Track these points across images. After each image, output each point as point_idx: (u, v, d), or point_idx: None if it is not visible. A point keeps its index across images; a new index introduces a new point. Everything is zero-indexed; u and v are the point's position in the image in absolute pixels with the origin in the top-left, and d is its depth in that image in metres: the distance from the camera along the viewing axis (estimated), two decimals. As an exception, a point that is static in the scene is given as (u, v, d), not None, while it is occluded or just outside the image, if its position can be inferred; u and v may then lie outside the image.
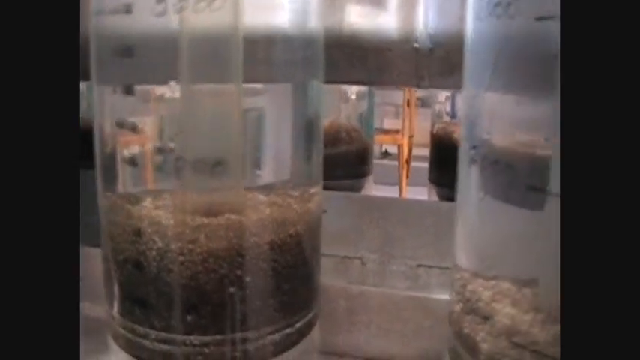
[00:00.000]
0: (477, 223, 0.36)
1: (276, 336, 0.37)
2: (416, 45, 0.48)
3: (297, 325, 0.38)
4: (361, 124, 1.01)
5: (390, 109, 2.70)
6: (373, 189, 1.02)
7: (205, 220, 0.36)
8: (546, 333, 0.30)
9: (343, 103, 0.99)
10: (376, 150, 3.12)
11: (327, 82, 0.42)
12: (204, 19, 0.34)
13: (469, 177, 0.35)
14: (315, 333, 0.41)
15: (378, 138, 2.25)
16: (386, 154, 3.24)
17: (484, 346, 0.33)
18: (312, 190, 0.41)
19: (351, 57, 0.54)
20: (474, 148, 0.34)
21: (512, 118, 0.33)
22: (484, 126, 0.34)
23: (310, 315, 0.39)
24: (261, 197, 0.39)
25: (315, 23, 0.39)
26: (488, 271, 0.35)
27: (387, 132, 2.35)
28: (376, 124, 2.43)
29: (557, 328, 0.30)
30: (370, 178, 0.98)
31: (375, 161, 0.96)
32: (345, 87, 0.97)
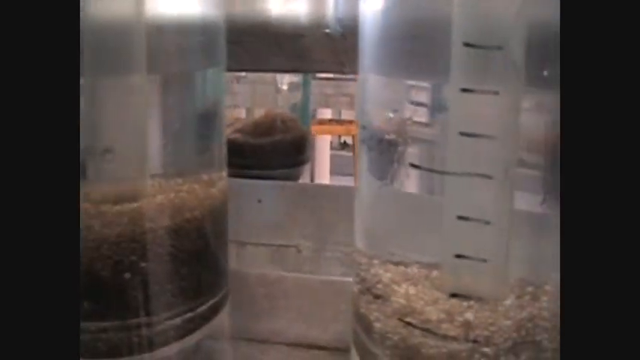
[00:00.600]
0: (369, 206, 0.36)
1: (177, 321, 0.37)
2: (327, 30, 0.48)
3: (199, 310, 0.38)
4: (297, 113, 1.01)
5: (345, 100, 2.70)
6: (327, 178, 1.02)
7: (103, 208, 0.35)
8: (439, 312, 0.31)
9: (277, 93, 0.99)
10: (335, 141, 3.13)
11: (251, 70, 0.42)
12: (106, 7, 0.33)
13: (362, 159, 0.35)
14: (224, 318, 0.41)
15: (332, 129, 2.25)
16: (344, 145, 3.25)
17: (377, 325, 0.33)
18: (214, 176, 0.41)
19: (269, 44, 0.54)
20: (363, 128, 0.34)
21: (384, 99, 0.33)
22: (366, 107, 0.34)
23: (214, 300, 0.39)
24: (161, 184, 0.39)
25: (210, 9, 0.39)
26: (383, 253, 0.35)
27: (341, 123, 2.36)
28: (332, 115, 2.45)
29: (450, 304, 0.31)
30: (308, 166, 0.98)
31: (333, 152, 0.96)
32: (278, 77, 0.97)
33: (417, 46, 0.30)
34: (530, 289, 0.32)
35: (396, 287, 0.33)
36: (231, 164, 0.81)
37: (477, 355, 0.29)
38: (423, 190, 0.33)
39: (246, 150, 0.85)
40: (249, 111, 0.96)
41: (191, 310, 0.38)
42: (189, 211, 0.37)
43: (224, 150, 0.41)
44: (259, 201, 0.75)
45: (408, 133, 0.32)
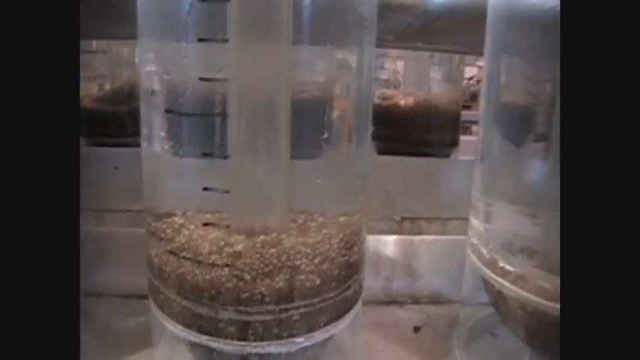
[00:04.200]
0: (146, 167, 0.38)
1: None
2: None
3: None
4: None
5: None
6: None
7: None
8: (211, 246, 0.34)
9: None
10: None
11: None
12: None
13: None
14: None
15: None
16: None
17: (155, 261, 0.36)
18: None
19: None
20: (151, 92, 0.36)
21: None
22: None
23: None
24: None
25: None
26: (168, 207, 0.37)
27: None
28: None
29: (224, 239, 0.34)
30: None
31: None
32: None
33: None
34: (301, 219, 0.35)
35: (183, 230, 0.36)
36: (92, 134, 0.81)
37: (234, 280, 0.32)
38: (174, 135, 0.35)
39: (103, 118, 0.85)
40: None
41: None
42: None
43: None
44: (116, 168, 0.75)
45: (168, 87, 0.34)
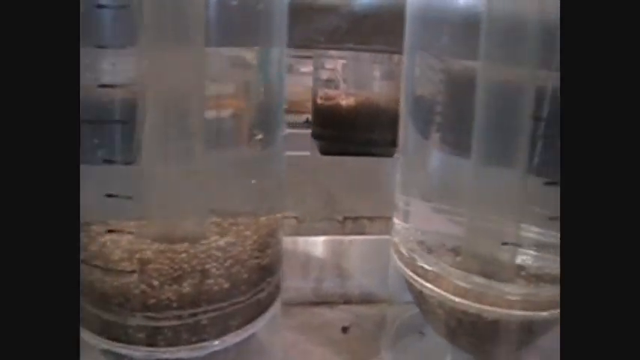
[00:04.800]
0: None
1: None
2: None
3: None
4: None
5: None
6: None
7: None
8: (122, 253, 0.33)
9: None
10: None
11: None
12: None
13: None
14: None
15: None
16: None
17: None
18: None
19: None
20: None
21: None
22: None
23: None
24: None
25: None
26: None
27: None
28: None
29: (138, 247, 0.33)
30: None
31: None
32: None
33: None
34: (220, 223, 0.35)
35: (98, 238, 0.35)
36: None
37: (142, 286, 0.32)
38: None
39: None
40: None
41: None
42: None
43: None
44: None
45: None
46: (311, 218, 0.62)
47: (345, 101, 0.85)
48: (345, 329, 0.49)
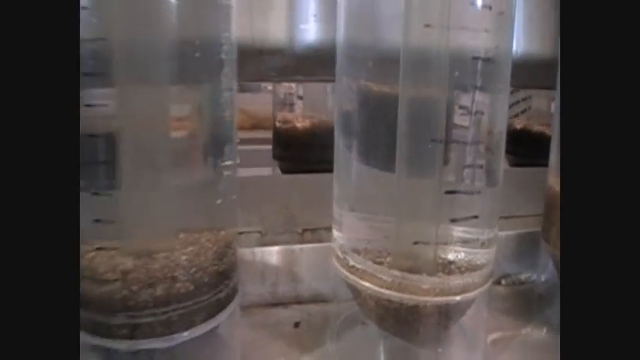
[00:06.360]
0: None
1: None
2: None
3: None
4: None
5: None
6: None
7: None
8: (107, 266, 0.40)
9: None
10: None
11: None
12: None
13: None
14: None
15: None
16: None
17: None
18: None
19: None
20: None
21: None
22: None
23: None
24: None
25: None
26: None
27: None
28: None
29: (120, 260, 0.40)
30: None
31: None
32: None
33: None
34: (190, 238, 0.43)
35: (86, 255, 0.42)
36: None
37: (124, 291, 0.39)
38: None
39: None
40: None
41: None
42: None
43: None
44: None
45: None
46: (272, 232, 0.69)
47: (301, 124, 0.93)
48: (296, 324, 0.57)
